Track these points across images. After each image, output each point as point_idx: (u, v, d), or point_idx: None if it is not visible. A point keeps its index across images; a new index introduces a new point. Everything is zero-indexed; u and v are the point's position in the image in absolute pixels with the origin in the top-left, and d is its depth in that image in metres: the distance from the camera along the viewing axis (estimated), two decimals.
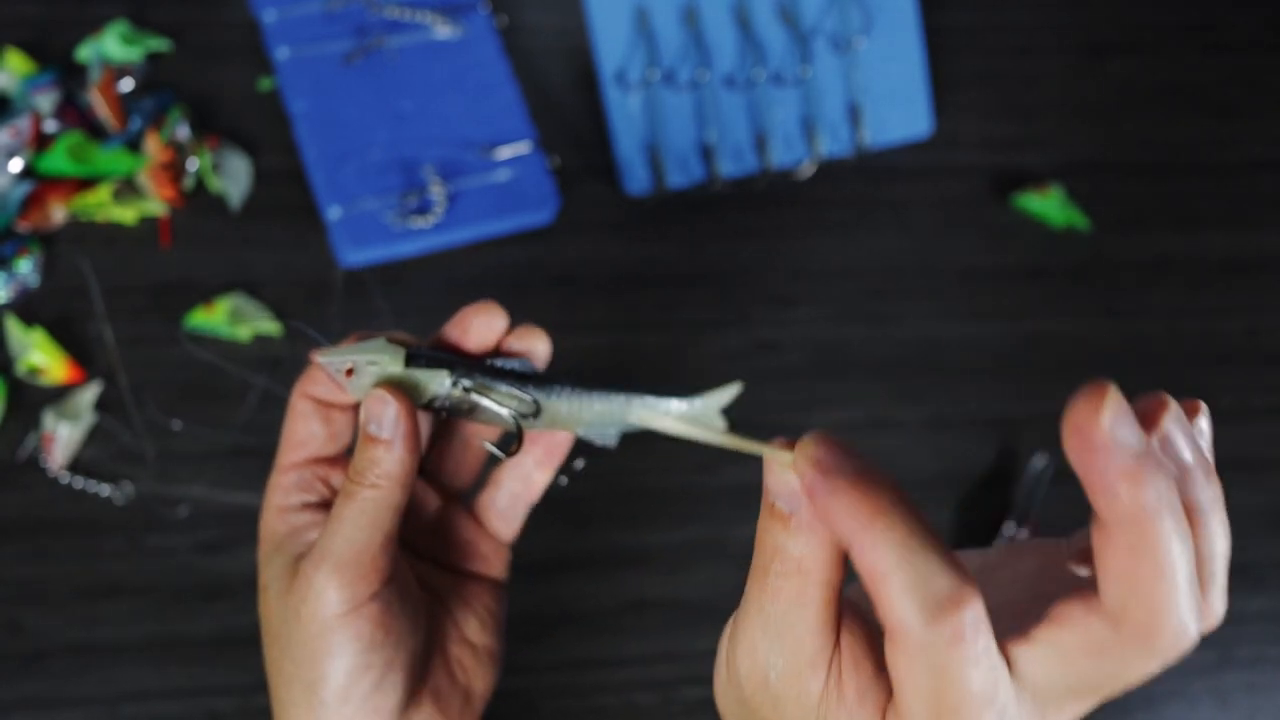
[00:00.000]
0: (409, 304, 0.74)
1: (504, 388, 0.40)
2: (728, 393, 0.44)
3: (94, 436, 0.68)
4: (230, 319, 0.70)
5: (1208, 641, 0.82)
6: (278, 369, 0.71)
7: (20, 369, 0.68)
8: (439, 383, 0.40)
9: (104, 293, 0.71)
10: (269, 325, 0.71)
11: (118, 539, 0.66)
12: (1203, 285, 0.85)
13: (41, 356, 0.67)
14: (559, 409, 0.41)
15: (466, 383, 0.40)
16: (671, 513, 0.73)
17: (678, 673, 0.69)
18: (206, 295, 0.72)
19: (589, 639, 0.69)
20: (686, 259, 0.79)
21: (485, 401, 0.40)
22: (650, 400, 0.43)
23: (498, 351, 0.43)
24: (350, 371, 0.39)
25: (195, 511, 0.67)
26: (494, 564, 0.46)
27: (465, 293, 0.75)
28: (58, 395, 0.68)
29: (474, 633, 0.44)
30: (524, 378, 0.41)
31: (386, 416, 0.38)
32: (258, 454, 0.69)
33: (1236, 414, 0.81)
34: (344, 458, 0.43)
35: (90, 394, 0.68)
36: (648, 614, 0.70)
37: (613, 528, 0.71)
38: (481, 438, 0.46)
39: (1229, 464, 0.82)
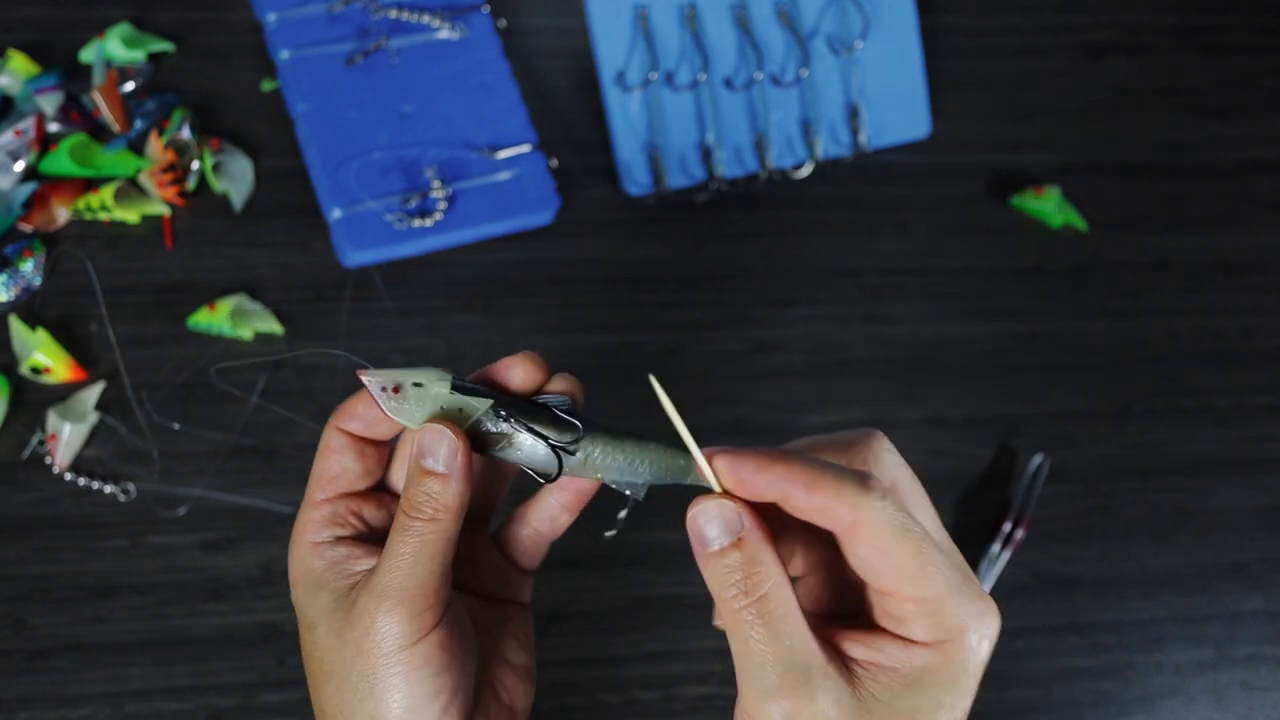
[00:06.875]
0: (410, 304, 0.74)
1: (543, 424, 0.41)
2: None
3: (97, 436, 0.68)
4: (232, 319, 0.71)
5: (1205, 640, 0.82)
6: (279, 369, 0.71)
7: (24, 369, 0.68)
8: (482, 411, 0.40)
9: (107, 293, 0.71)
10: (271, 325, 0.72)
11: (120, 538, 0.66)
12: (1200, 285, 0.86)
13: (45, 357, 0.68)
14: (594, 452, 0.42)
15: (508, 413, 0.40)
16: (674, 511, 0.73)
17: (679, 670, 0.69)
18: (209, 295, 0.72)
19: (590, 636, 0.69)
20: (686, 259, 0.80)
21: (524, 435, 0.40)
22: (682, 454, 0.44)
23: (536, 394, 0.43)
24: (397, 389, 0.39)
25: (197, 510, 0.67)
26: (520, 589, 0.47)
27: (466, 293, 0.76)
28: (61, 395, 0.68)
29: (512, 653, 0.45)
30: (563, 416, 0.41)
31: (444, 450, 0.38)
32: (260, 454, 0.69)
33: (1234, 414, 0.82)
34: (374, 493, 0.43)
35: (93, 394, 0.68)
36: (649, 612, 0.70)
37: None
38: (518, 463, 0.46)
39: (1228, 464, 0.82)
